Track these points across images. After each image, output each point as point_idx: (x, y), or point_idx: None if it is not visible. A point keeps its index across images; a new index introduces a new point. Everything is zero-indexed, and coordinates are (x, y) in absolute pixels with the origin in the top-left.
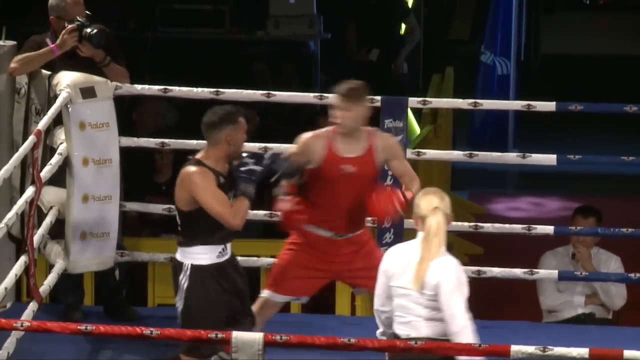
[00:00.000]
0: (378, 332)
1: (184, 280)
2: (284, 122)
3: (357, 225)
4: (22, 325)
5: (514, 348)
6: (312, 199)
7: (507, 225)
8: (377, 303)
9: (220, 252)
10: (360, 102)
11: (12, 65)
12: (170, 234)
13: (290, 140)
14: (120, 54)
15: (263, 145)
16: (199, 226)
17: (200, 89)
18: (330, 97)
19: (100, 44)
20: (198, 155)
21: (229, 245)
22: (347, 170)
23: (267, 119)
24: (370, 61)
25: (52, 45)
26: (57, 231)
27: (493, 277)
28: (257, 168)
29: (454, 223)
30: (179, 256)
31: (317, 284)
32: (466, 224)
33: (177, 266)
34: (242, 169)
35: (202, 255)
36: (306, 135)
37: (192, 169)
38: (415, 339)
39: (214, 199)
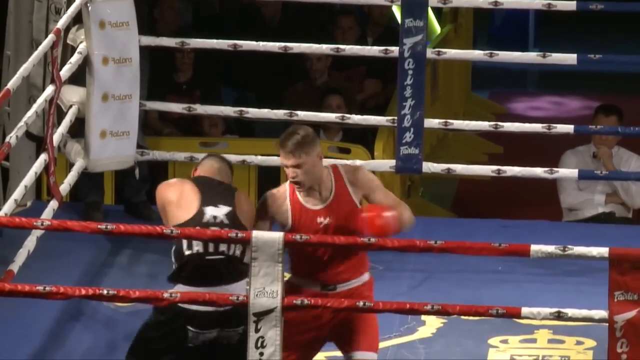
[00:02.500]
0: None
1: None
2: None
3: (349, 276)
4: (42, 224)
5: (534, 248)
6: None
7: (527, 125)
8: None
9: None
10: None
11: None
12: (189, 134)
13: (308, 38)
14: None
15: (284, 44)
16: None
17: None
18: None
19: None
20: None
21: None
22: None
23: (286, 13)
24: None
25: None
26: (77, 130)
27: (513, 176)
28: None
29: (473, 122)
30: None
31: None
32: (486, 123)
33: None
34: None
35: None
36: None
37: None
38: None
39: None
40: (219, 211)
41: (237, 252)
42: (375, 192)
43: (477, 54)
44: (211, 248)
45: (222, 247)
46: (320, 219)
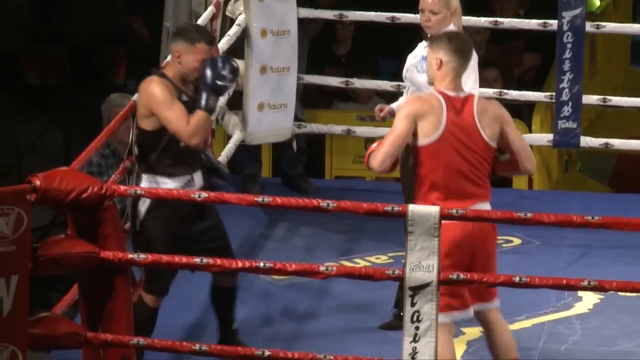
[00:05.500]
0: None
1: (142, 206)
2: None
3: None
4: (199, 197)
5: None
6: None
7: None
8: None
9: (186, 184)
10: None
11: None
12: (347, 105)
13: (466, 11)
14: None
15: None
16: (159, 151)
17: None
18: None
19: None
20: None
21: (197, 175)
22: None
23: None
24: None
25: None
26: (235, 102)
27: None
28: (224, 82)
29: (632, 99)
30: (142, 184)
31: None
32: None
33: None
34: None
35: (166, 185)
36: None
37: (151, 79)
38: None
39: (172, 111)
40: None
41: None
42: None
43: (637, 28)
44: None
45: None
46: None
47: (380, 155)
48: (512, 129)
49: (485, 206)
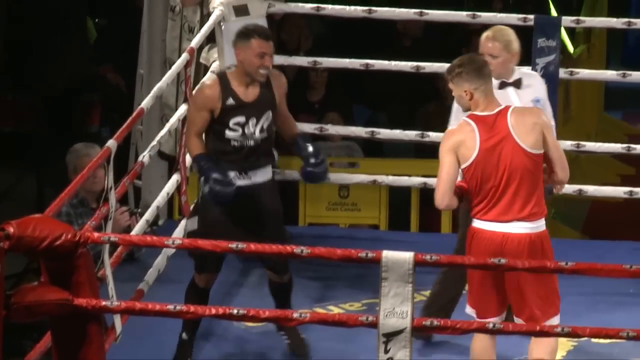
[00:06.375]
0: None
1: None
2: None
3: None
4: (173, 243)
5: None
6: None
7: None
8: None
9: (233, 177)
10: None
11: None
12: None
13: (441, 58)
14: None
15: (415, 64)
16: (208, 144)
17: (352, 8)
18: (484, 16)
19: None
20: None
21: (252, 172)
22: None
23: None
24: None
25: None
26: None
27: None
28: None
29: (606, 144)
30: None
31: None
32: (619, 145)
33: None
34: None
35: None
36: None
37: (206, 79)
38: None
39: (191, 115)
40: None
41: None
42: None
43: (610, 74)
44: None
45: None
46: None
47: (438, 194)
48: (552, 137)
49: (538, 224)
